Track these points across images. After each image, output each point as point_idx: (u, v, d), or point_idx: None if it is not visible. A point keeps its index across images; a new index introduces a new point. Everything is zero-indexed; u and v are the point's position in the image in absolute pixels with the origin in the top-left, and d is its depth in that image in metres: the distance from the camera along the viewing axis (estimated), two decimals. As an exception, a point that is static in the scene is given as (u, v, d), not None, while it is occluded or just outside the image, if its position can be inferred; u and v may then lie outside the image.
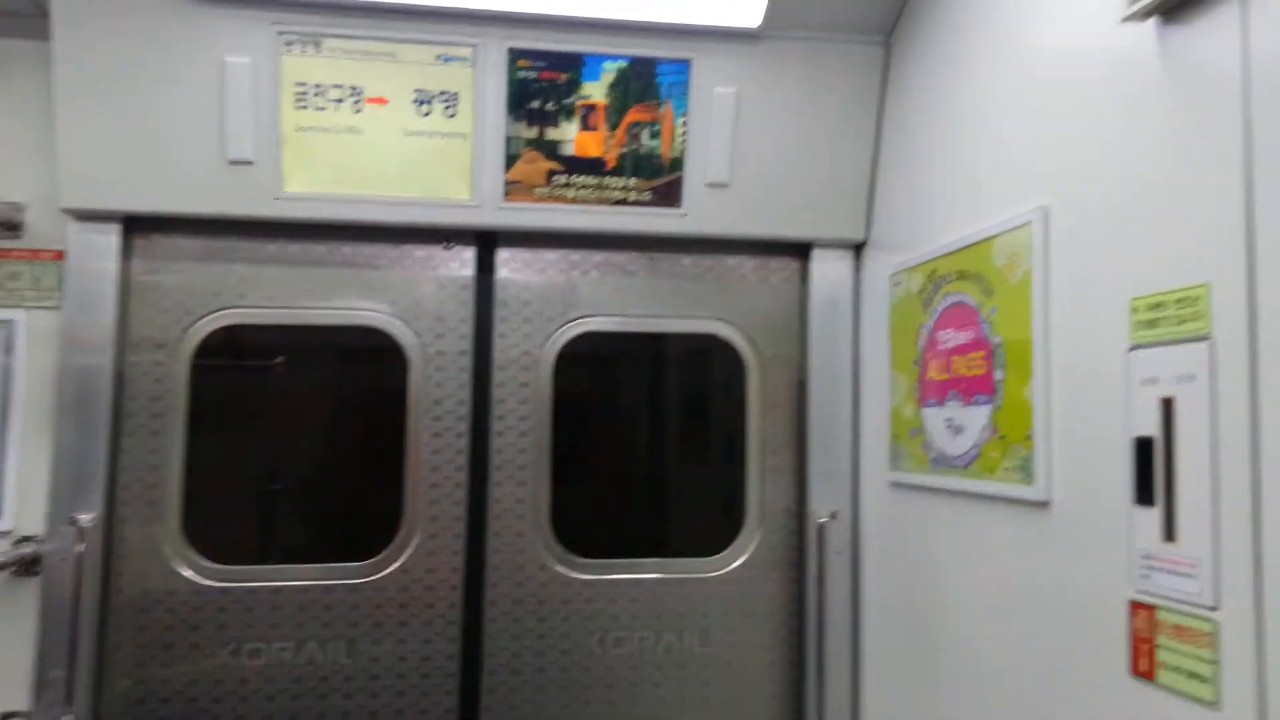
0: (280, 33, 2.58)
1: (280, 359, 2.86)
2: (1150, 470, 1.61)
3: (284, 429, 2.89)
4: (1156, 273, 1.63)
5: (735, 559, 2.89)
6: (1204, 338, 1.51)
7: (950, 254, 2.32)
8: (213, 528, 2.69)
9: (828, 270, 2.93)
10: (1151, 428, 1.61)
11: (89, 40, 2.50)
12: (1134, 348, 1.67)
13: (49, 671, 2.50)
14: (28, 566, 2.53)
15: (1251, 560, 1.40)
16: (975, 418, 2.17)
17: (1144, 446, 1.63)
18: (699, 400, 3.15)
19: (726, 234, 2.86)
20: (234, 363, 2.81)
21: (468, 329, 2.83)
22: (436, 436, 2.77)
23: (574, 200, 2.74)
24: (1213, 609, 1.46)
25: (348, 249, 2.79)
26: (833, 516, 2.83)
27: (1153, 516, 1.60)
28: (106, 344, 2.60)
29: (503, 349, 2.84)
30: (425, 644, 2.73)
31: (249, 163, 2.59)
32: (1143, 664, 1.61)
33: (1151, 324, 1.63)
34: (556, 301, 2.88)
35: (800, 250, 2.96)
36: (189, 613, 2.64)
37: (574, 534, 2.83)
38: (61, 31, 2.49)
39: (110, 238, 2.63)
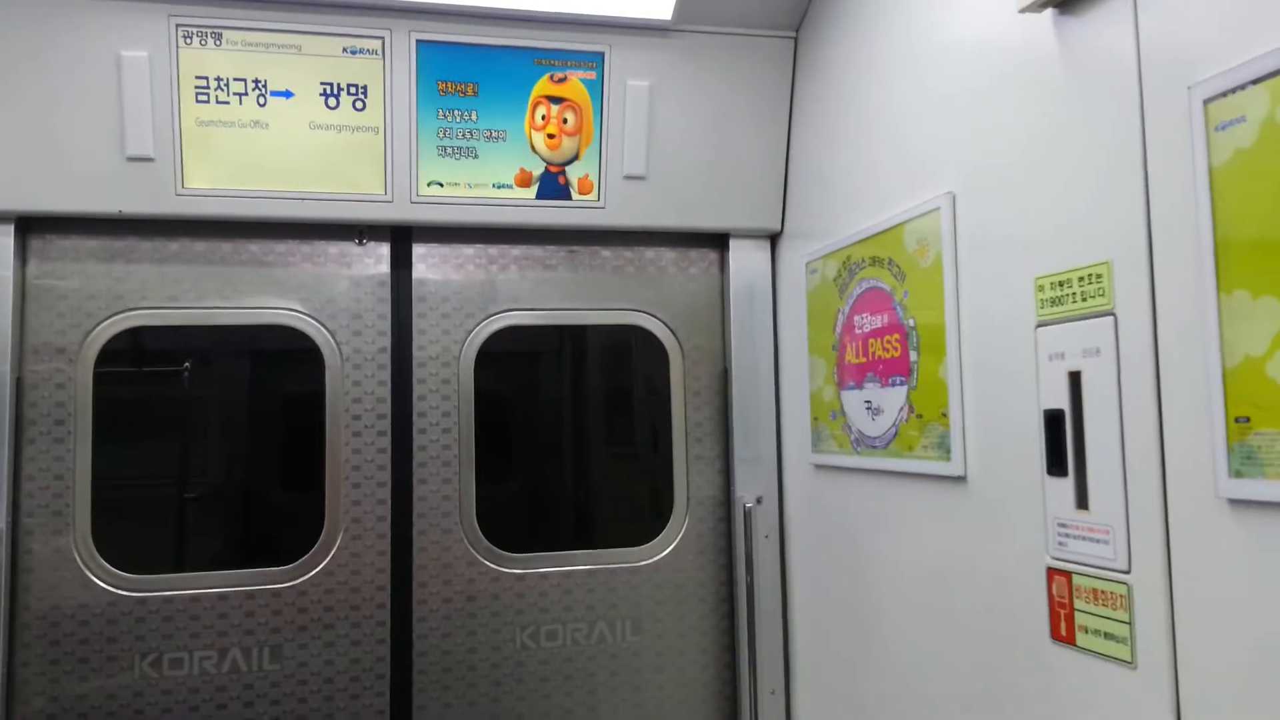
0: (178, 25, 2.50)
1: (189, 362, 2.77)
2: (1061, 441, 1.68)
3: (196, 434, 2.81)
4: (1059, 252, 1.70)
5: (664, 548, 2.91)
6: (1107, 313, 1.58)
7: (863, 240, 2.38)
8: (125, 537, 2.60)
9: (745, 260, 2.97)
10: (1060, 400, 1.68)
11: (-27, 34, 2.39)
12: (1041, 324, 1.74)
13: None
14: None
15: (1160, 524, 1.47)
16: (893, 398, 2.23)
17: (1054, 419, 1.70)
18: (623, 391, 3.16)
19: (645, 226, 2.87)
20: (141, 367, 2.72)
21: (385, 326, 2.78)
22: (357, 436, 2.72)
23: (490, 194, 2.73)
24: (1125, 572, 1.54)
25: (255, 246, 2.72)
26: (758, 501, 2.88)
27: (1065, 486, 1.67)
28: (4, 351, 2.49)
29: (422, 345, 2.80)
30: (354, 646, 2.68)
31: (149, 159, 2.51)
32: (1062, 628, 1.68)
33: (1057, 301, 1.70)
34: (475, 296, 2.86)
35: (718, 241, 3.00)
36: (103, 625, 2.55)
37: (501, 529, 2.81)
38: (-56, 24, 2.37)
39: (3, 239, 2.51)
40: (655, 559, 2.90)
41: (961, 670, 2.00)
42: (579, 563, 2.85)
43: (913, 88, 2.21)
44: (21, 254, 2.56)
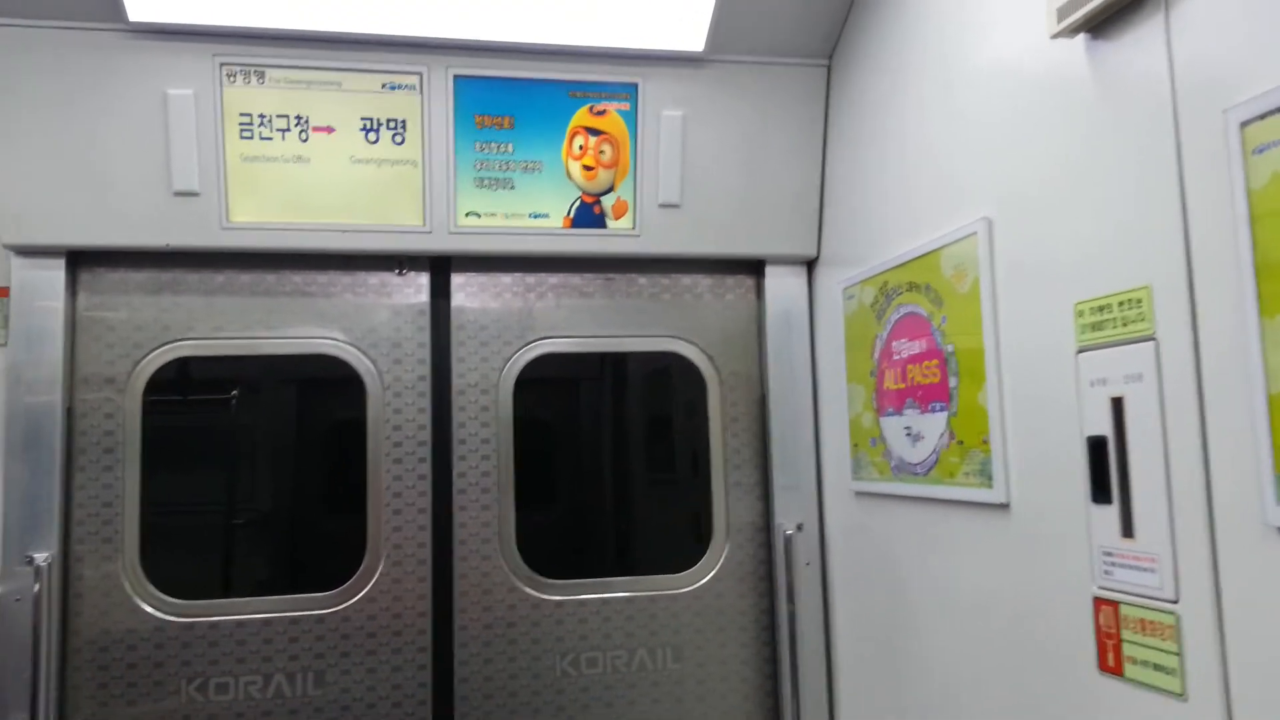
0: (222, 64, 2.56)
1: (235, 391, 2.82)
2: (1105, 468, 1.66)
3: (241, 461, 2.85)
4: (1099, 277, 1.69)
5: (704, 575, 2.90)
6: (1149, 338, 1.56)
7: (900, 266, 2.38)
8: (173, 563, 2.64)
9: (782, 286, 2.97)
10: (1104, 427, 1.66)
11: (26, 73, 2.47)
12: (1082, 350, 1.72)
13: (10, 714, 2.43)
14: (-18, 610, 2.47)
15: (1208, 551, 1.45)
16: (933, 425, 2.22)
17: (1098, 445, 1.67)
18: (660, 418, 3.17)
19: (680, 253, 2.89)
20: (188, 396, 2.77)
21: (425, 354, 2.82)
22: (398, 463, 2.75)
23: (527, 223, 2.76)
24: (1174, 602, 1.51)
25: (299, 277, 2.77)
26: (799, 528, 2.87)
27: (1110, 514, 1.64)
28: (55, 381, 2.55)
29: (461, 373, 2.83)
30: (395, 672, 2.70)
31: (194, 194, 2.57)
32: (1110, 659, 1.65)
33: (1097, 326, 1.68)
34: (513, 324, 2.88)
35: (754, 267, 3.00)
36: (151, 650, 2.59)
37: (541, 555, 2.82)
38: (-3, 65, 2.45)
39: (55, 273, 2.58)
40: (695, 586, 2.89)
41: (1006, 701, 1.97)
42: (618, 589, 2.85)
43: (946, 113, 2.21)
44: (72, 287, 2.63)
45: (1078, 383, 1.73)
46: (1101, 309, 1.67)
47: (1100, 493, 1.67)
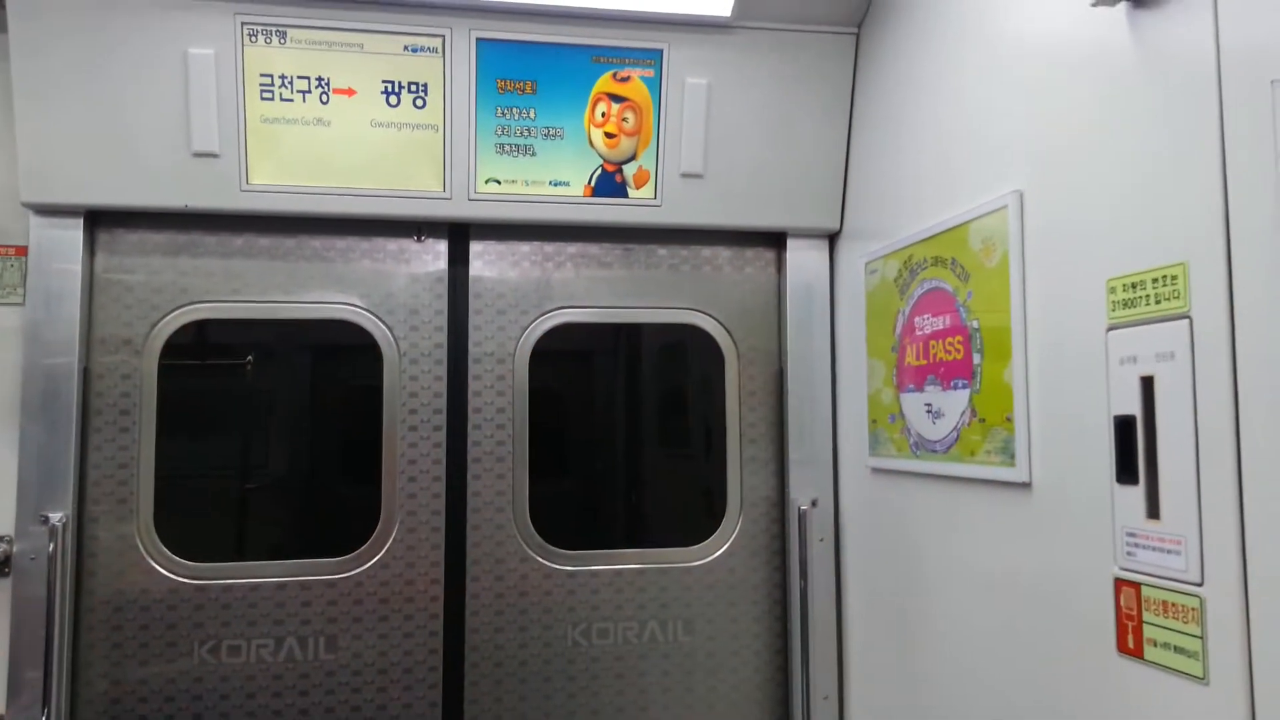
0: (244, 23, 2.54)
1: (251, 356, 2.81)
2: (1132, 448, 1.62)
3: (257, 426, 2.85)
4: (1133, 253, 1.65)
5: (717, 548, 2.89)
6: (1183, 316, 1.52)
7: (925, 240, 2.34)
8: (186, 526, 2.65)
9: (803, 259, 2.94)
10: (1132, 406, 1.63)
11: (47, 32, 2.45)
12: (1112, 327, 1.69)
13: (23, 673, 2.45)
14: (-2, 566, 2.49)
15: (1236, 535, 1.42)
16: (954, 402, 2.19)
17: (1125, 425, 1.64)
18: (676, 390, 3.15)
19: (701, 224, 2.86)
20: (204, 360, 2.77)
21: (442, 322, 2.80)
22: (413, 430, 2.74)
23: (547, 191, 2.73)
24: (1198, 585, 1.48)
25: (317, 242, 2.76)
26: (814, 504, 2.85)
27: (1135, 494, 1.62)
28: (72, 341, 2.55)
29: (477, 341, 2.82)
30: (407, 638, 2.70)
31: (214, 155, 2.55)
32: (1130, 641, 1.63)
33: (1129, 303, 1.65)
34: (531, 293, 2.86)
35: (775, 240, 2.97)
36: (164, 611, 2.60)
37: (554, 526, 2.81)
38: (18, 23, 2.43)
39: (73, 232, 2.58)
40: (707, 560, 2.88)
41: (1022, 680, 1.95)
42: (630, 561, 2.84)
43: (977, 84, 2.16)
44: (90, 247, 2.62)
45: (1106, 361, 1.69)
46: (1134, 285, 1.64)
47: (1126, 473, 1.64)
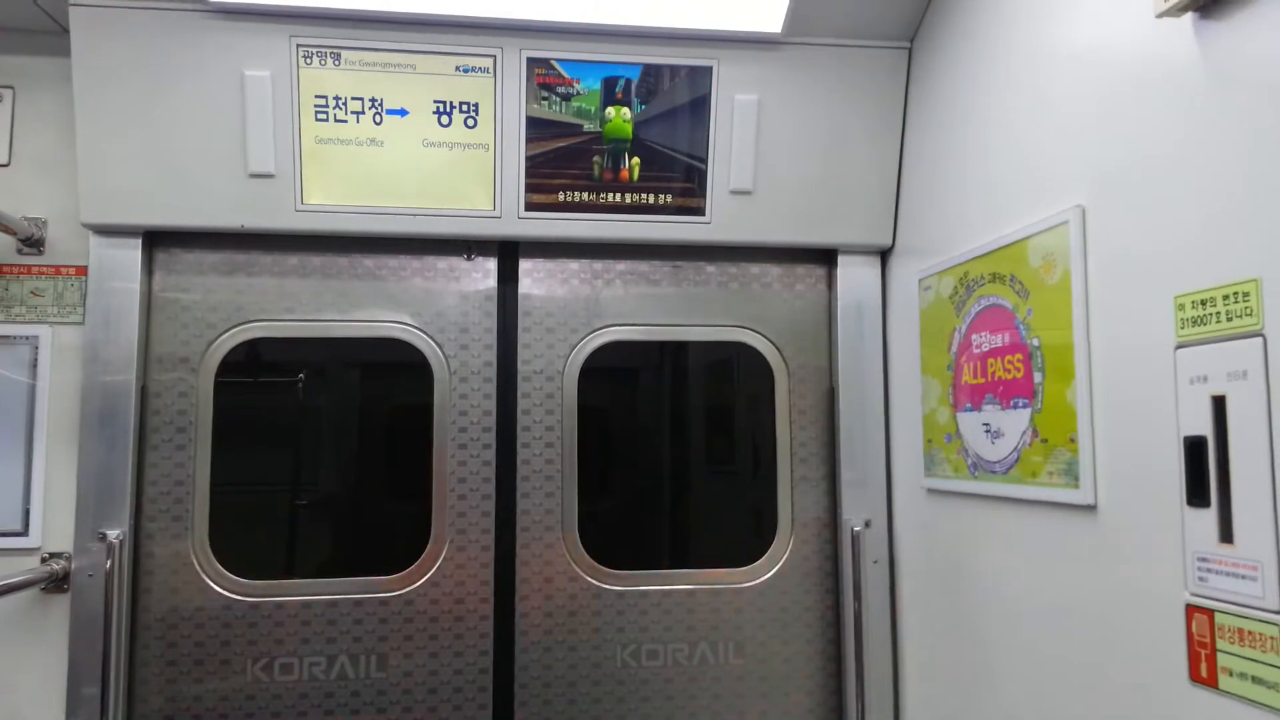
0: (299, 45, 2.57)
1: (304, 374, 2.84)
2: (1203, 470, 1.57)
3: (309, 443, 2.87)
4: (1201, 269, 1.60)
5: (768, 569, 2.85)
6: (1256, 333, 1.47)
7: (982, 256, 2.30)
8: (240, 543, 2.67)
9: (854, 276, 2.90)
10: (1203, 427, 1.58)
11: (108, 56, 2.50)
12: (1181, 345, 1.64)
13: (81, 688, 2.48)
14: (57, 583, 2.52)
15: (1318, 561, 1.37)
16: (1014, 421, 2.14)
17: (1195, 446, 1.59)
18: (726, 409, 3.12)
19: (751, 241, 2.83)
20: (259, 378, 2.79)
21: (491, 340, 2.81)
22: (462, 448, 2.75)
23: (596, 209, 2.72)
24: (1277, 612, 1.42)
25: (370, 261, 2.78)
26: (867, 525, 2.80)
27: (1207, 518, 1.56)
28: (130, 360, 2.59)
29: (527, 360, 2.82)
30: (457, 657, 2.69)
31: (269, 175, 2.58)
32: (1203, 670, 1.57)
33: (1199, 321, 1.60)
34: (580, 311, 2.86)
35: (826, 257, 2.94)
36: (218, 628, 2.62)
37: (603, 545, 2.79)
38: (81, 48, 2.49)
39: (132, 252, 2.62)
40: (758, 581, 2.84)
41: (1087, 711, 1.89)
42: (680, 582, 2.81)
43: (1035, 97, 2.12)
44: (148, 267, 2.67)
45: (1175, 380, 1.64)
46: (1204, 302, 1.59)
47: (1197, 496, 1.59)
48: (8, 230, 2.55)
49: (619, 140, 2.71)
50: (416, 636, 2.68)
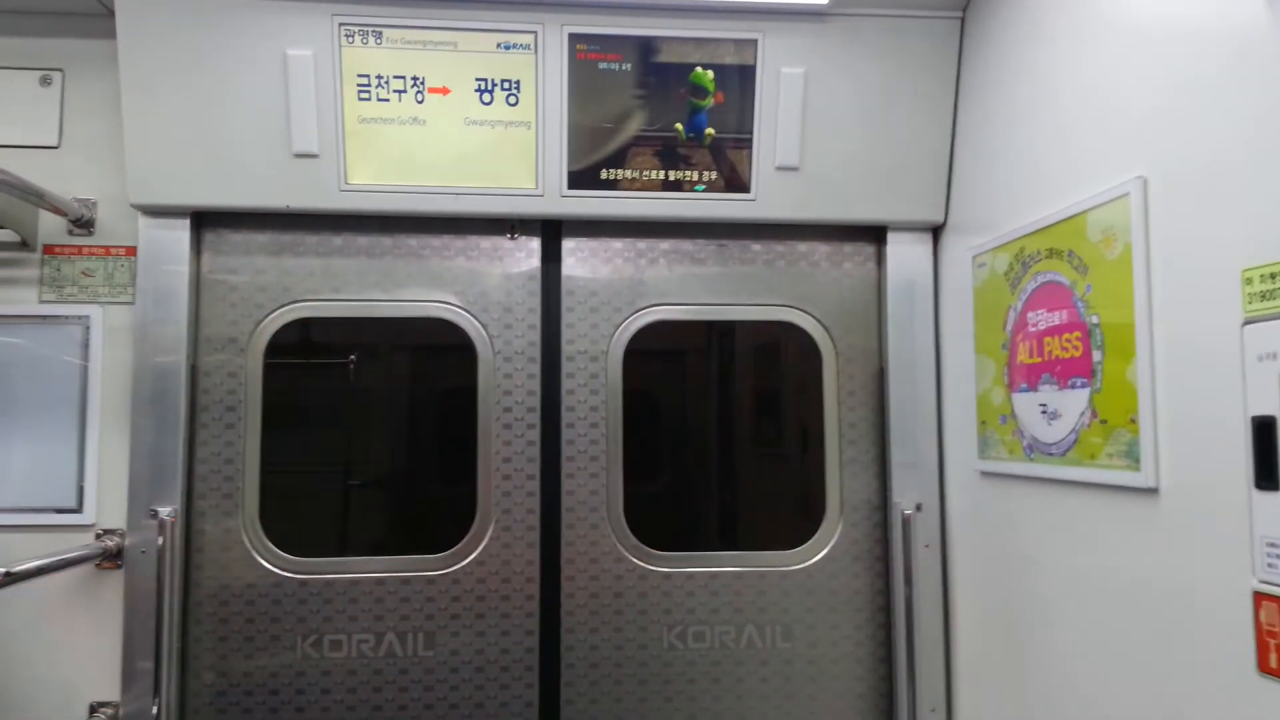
0: (341, 24, 2.56)
1: (353, 355, 2.85)
2: (1273, 451, 1.51)
3: (355, 422, 2.88)
4: (1271, 241, 1.53)
5: (817, 552, 2.81)
6: (1332, 309, 1.40)
7: (1038, 231, 2.22)
8: (290, 521, 2.70)
9: (905, 253, 2.83)
10: (1272, 405, 1.51)
11: (153, 38, 2.52)
12: (1248, 321, 1.57)
13: (136, 663, 2.53)
14: (111, 559, 2.57)
15: (1398, 547, 1.30)
16: (1073, 402, 2.07)
17: (1264, 426, 1.52)
18: (772, 389, 3.07)
19: (797, 219, 2.78)
20: (306, 358, 2.81)
21: (535, 319, 2.79)
22: (507, 428, 2.74)
23: (639, 186, 2.69)
24: (1353, 600, 1.36)
25: (414, 240, 2.77)
26: (918, 508, 2.74)
27: (1277, 501, 1.49)
28: (180, 340, 2.62)
29: (570, 339, 2.80)
30: (504, 636, 2.70)
31: (314, 155, 2.58)
32: (1272, 660, 1.51)
33: (1267, 295, 1.53)
34: (624, 290, 2.83)
35: (875, 234, 2.87)
36: (269, 605, 2.65)
37: (648, 526, 2.77)
38: (127, 30, 2.51)
39: (180, 233, 2.65)
40: (807, 564, 2.80)
41: (1148, 700, 1.83)
42: (726, 564, 2.78)
43: (1095, 66, 2.04)
44: (196, 248, 2.69)
45: (1242, 357, 1.57)
46: (1273, 276, 1.51)
47: (1266, 478, 1.52)
48: (58, 211, 2.58)
49: (701, 88, 2.66)
50: (463, 615, 2.69)
